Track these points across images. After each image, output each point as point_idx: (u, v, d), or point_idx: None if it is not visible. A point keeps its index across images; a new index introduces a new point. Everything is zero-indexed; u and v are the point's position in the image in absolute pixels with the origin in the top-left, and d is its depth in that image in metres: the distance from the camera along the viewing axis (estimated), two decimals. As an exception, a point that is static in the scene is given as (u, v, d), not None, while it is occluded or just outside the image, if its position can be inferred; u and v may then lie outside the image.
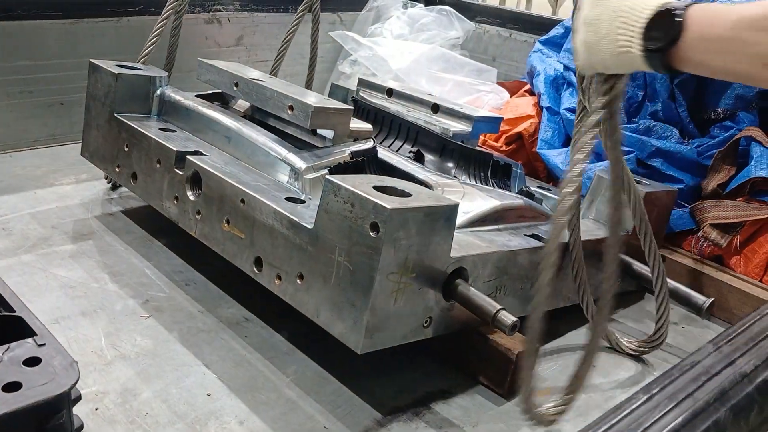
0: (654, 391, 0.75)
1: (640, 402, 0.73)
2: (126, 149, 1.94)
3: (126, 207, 2.21)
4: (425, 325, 1.44)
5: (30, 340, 0.89)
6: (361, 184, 1.35)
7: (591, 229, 1.90)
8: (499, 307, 1.42)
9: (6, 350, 0.87)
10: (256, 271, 1.55)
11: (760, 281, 2.00)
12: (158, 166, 1.83)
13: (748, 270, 2.02)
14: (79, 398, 0.87)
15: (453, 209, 1.37)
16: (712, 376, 0.78)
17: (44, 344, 0.89)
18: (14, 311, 0.95)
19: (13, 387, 0.81)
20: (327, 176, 1.37)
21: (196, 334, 1.64)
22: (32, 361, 0.86)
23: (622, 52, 1.09)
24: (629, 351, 1.76)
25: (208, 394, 1.45)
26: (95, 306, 1.70)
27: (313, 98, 1.79)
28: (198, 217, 1.71)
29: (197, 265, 1.92)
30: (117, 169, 1.99)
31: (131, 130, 1.92)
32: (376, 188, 1.34)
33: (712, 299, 1.75)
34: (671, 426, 0.68)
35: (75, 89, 2.56)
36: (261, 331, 1.68)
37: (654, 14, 1.05)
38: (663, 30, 1.05)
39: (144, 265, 1.91)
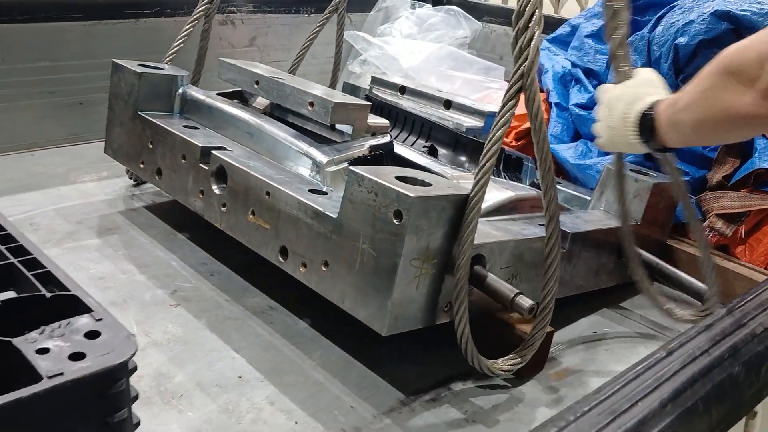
0: (673, 348, 0.82)
1: (661, 357, 0.80)
2: (150, 146, 2.01)
3: (148, 203, 2.28)
4: (446, 309, 1.50)
5: (87, 315, 0.96)
6: (384, 175, 1.41)
7: (602, 218, 1.97)
8: (516, 291, 1.48)
9: (67, 324, 0.93)
10: (282, 260, 1.62)
11: (766, 269, 2.06)
12: (183, 161, 1.90)
13: (753, 258, 2.08)
14: (135, 369, 0.93)
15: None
16: (726, 336, 0.85)
17: (101, 319, 0.95)
18: (69, 290, 1.01)
19: (77, 357, 0.88)
20: (351, 168, 1.44)
21: (223, 321, 1.71)
22: (92, 334, 0.92)
23: (630, 142, 1.47)
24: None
25: (239, 377, 1.51)
26: (125, 296, 1.76)
27: (332, 94, 1.86)
28: (223, 209, 1.78)
29: (220, 258, 1.99)
30: (141, 166, 2.05)
31: (155, 127, 1.99)
32: (398, 178, 1.41)
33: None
34: (690, 377, 0.75)
35: (94, 89, 2.64)
36: (285, 318, 1.75)
37: (639, 117, 1.44)
38: (646, 126, 1.43)
39: (169, 257, 1.97)
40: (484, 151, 1.42)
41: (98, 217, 2.16)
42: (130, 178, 2.37)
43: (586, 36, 2.61)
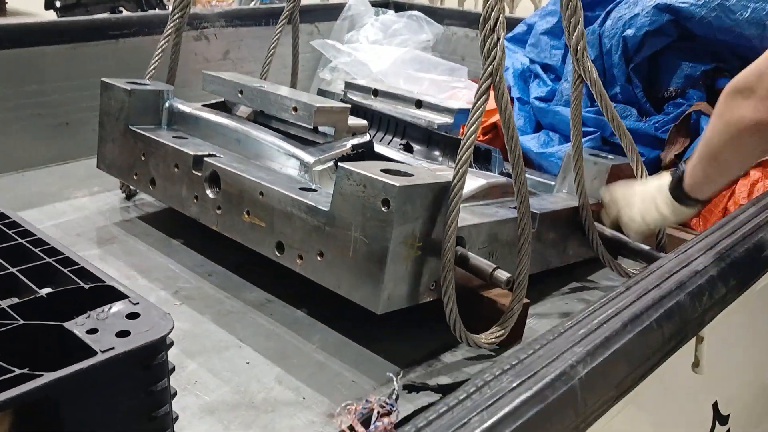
0: (630, 284, 0.98)
1: (620, 291, 0.96)
2: (143, 158, 2.13)
3: (141, 213, 2.40)
4: (431, 287, 1.65)
5: (126, 300, 1.09)
6: (371, 168, 1.56)
7: (566, 199, 2.14)
8: (494, 266, 1.64)
9: (110, 308, 1.07)
10: (279, 255, 1.76)
11: (718, 237, 2.25)
12: (176, 170, 2.03)
13: (706, 228, 2.27)
14: (172, 343, 1.07)
15: (448, 186, 1.59)
16: (673, 273, 1.02)
17: (138, 303, 1.09)
18: (105, 282, 1.15)
19: (123, 334, 1.01)
20: (340, 164, 1.59)
21: (226, 315, 1.84)
22: (133, 315, 1.06)
23: (663, 213, 1.72)
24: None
25: (247, 363, 1.65)
26: (132, 298, 1.89)
27: (313, 99, 2.00)
28: (218, 212, 1.91)
29: (216, 259, 2.12)
30: (135, 177, 2.18)
31: (147, 140, 2.11)
32: (383, 171, 1.56)
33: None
34: (645, 304, 0.91)
35: (79, 109, 2.75)
36: (283, 309, 1.89)
37: (670, 183, 1.68)
38: (678, 187, 1.65)
39: (168, 261, 2.10)
40: (462, 142, 1.57)
41: (96, 229, 2.27)
42: (123, 192, 2.49)
43: (542, 33, 2.80)
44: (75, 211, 2.39)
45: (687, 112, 2.39)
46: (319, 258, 1.65)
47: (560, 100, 2.60)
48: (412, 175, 1.58)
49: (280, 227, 1.75)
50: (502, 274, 1.63)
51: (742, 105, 1.40)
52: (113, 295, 1.12)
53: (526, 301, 1.80)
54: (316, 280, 1.68)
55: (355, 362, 1.68)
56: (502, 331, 1.74)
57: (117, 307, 1.07)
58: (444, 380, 1.63)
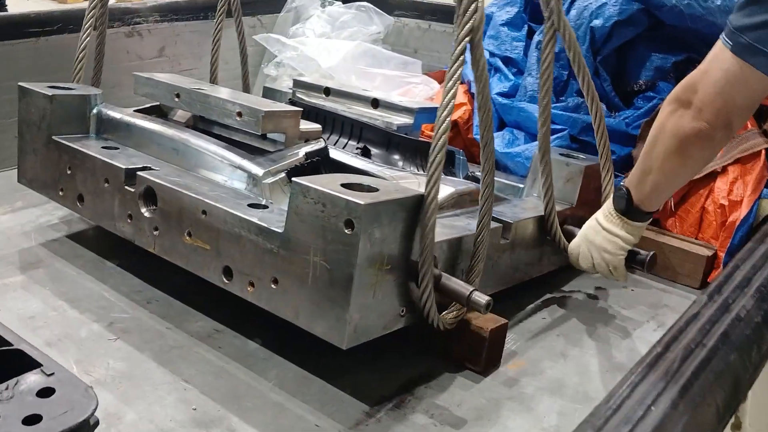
0: (668, 341, 0.82)
1: (658, 353, 0.80)
2: (69, 172, 1.89)
3: (70, 231, 2.15)
4: (401, 314, 1.47)
5: (38, 371, 0.88)
6: (329, 183, 1.37)
7: (538, 205, 1.98)
8: (471, 288, 1.47)
9: (16, 384, 0.85)
10: (226, 281, 1.55)
11: (696, 239, 2.13)
12: (106, 185, 1.79)
13: (683, 229, 2.15)
14: (97, 423, 0.86)
15: (420, 199, 1.41)
16: (714, 323, 0.85)
17: (53, 373, 0.88)
18: (12, 344, 0.93)
19: (33, 420, 0.80)
20: (294, 179, 1.39)
21: (168, 351, 1.63)
22: (46, 392, 0.84)
23: (614, 231, 1.75)
24: None
25: (194, 408, 1.44)
26: (59, 335, 1.65)
27: (260, 103, 1.79)
28: (156, 233, 1.69)
29: (155, 283, 1.89)
30: (60, 193, 1.93)
31: (72, 151, 1.87)
32: (344, 186, 1.37)
33: (653, 252, 1.85)
34: (693, 371, 0.75)
35: (-6, 116, 2.47)
36: (234, 340, 1.68)
37: (614, 199, 1.74)
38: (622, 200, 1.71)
39: (100, 288, 1.86)
40: (434, 141, 1.40)
41: (18, 251, 2.02)
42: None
43: (502, 24, 2.63)
44: (-7, 231, 2.13)
45: (659, 106, 2.25)
46: (273, 285, 1.45)
47: (524, 95, 2.44)
48: (377, 189, 1.39)
49: (226, 250, 1.54)
50: (481, 298, 1.46)
51: (684, 115, 1.49)
52: (23, 362, 0.90)
53: (503, 321, 1.64)
54: (271, 309, 1.48)
55: (318, 402, 1.49)
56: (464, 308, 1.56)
57: (26, 380, 0.86)
58: (419, 419, 1.45)
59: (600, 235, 1.77)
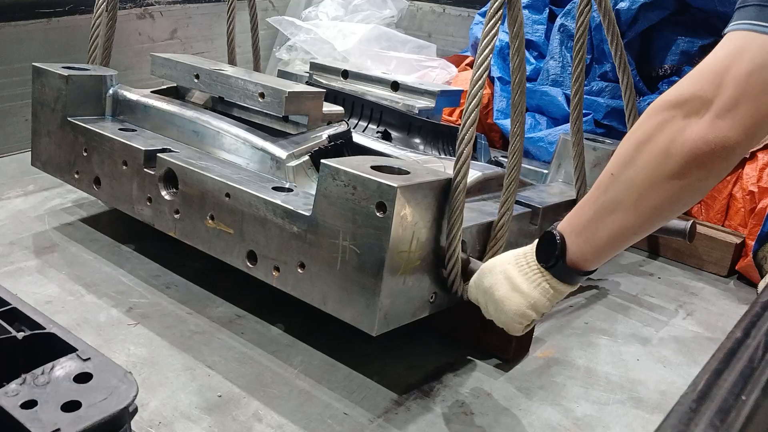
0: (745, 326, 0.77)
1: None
2: (85, 154, 1.85)
3: (84, 215, 2.11)
4: (431, 300, 1.44)
5: (73, 355, 0.84)
6: (359, 166, 1.33)
7: (565, 191, 1.94)
8: (502, 274, 1.43)
9: (51, 369, 0.81)
10: (250, 266, 1.51)
11: (722, 226, 2.09)
12: (125, 168, 1.75)
13: (709, 216, 2.11)
14: (136, 410, 0.82)
15: (450, 182, 1.37)
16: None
17: (89, 358, 0.84)
18: (44, 328, 0.89)
19: (72, 406, 0.76)
20: (323, 161, 1.34)
21: (190, 336, 1.59)
22: (83, 377, 0.81)
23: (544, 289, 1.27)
24: None
25: (219, 396, 1.41)
26: (78, 320, 1.62)
27: (283, 84, 1.75)
28: (177, 216, 1.65)
29: (173, 267, 1.86)
30: (76, 176, 1.89)
31: (89, 133, 1.83)
32: (374, 168, 1.33)
33: (692, 221, 1.81)
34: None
35: (7, 98, 2.43)
36: (256, 326, 1.64)
37: (539, 248, 1.28)
38: (552, 253, 1.25)
39: (117, 272, 1.83)
40: (463, 121, 1.36)
41: (32, 235, 1.98)
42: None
43: (523, 7, 2.57)
44: (7, 214, 2.09)
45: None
46: (299, 270, 1.42)
47: (546, 79, 2.39)
48: (408, 172, 1.35)
49: (251, 234, 1.50)
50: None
51: (681, 126, 1.03)
52: (56, 346, 0.86)
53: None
54: (297, 295, 1.44)
55: (345, 389, 1.45)
56: None
57: (62, 365, 0.82)
58: (448, 407, 1.42)
59: (503, 287, 1.28)
